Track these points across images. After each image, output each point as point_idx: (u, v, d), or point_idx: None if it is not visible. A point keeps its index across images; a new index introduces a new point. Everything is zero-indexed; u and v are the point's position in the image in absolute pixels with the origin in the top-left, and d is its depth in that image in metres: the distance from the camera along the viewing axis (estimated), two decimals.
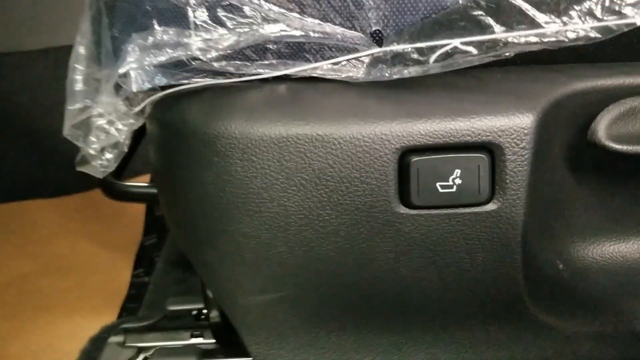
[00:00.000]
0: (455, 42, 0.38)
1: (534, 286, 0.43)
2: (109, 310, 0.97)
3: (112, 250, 1.13)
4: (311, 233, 0.40)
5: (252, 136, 0.38)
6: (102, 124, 0.50)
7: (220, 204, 0.40)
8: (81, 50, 0.52)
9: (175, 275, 0.90)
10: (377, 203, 0.39)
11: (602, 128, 0.38)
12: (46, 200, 1.27)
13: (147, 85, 0.40)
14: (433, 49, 0.38)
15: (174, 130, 0.42)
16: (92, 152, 0.51)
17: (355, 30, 0.39)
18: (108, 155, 0.53)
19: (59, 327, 0.95)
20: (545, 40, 0.35)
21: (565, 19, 0.34)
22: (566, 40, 0.35)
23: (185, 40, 0.38)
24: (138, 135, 0.50)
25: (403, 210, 0.39)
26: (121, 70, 0.39)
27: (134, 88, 0.40)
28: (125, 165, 0.65)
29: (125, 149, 0.51)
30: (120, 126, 0.51)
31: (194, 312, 0.70)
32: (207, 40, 0.38)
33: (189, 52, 0.38)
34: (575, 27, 0.34)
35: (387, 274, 0.41)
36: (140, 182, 0.72)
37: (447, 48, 0.38)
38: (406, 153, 0.38)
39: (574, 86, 0.39)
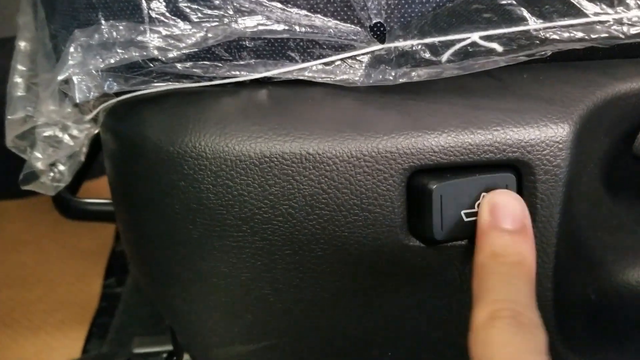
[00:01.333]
0: (474, 37, 0.31)
1: (565, 324, 0.36)
2: (77, 326, 0.90)
3: (81, 258, 1.05)
4: (302, 272, 0.32)
5: (226, 155, 0.31)
6: (50, 135, 0.43)
7: (189, 239, 0.33)
8: (23, 45, 0.44)
9: (143, 308, 0.82)
10: (381, 235, 0.31)
11: None
12: (9, 202, 1.18)
13: (95, 94, 0.33)
14: (447, 45, 0.31)
15: (131, 146, 0.35)
16: (40, 166, 0.43)
17: (352, 23, 0.31)
18: (61, 167, 0.45)
19: (21, 345, 0.87)
20: (595, 36, 0.28)
21: (621, 9, 0.27)
22: (622, 36, 0.28)
23: (140, 37, 0.30)
24: (97, 140, 0.43)
25: (414, 243, 0.32)
26: (61, 77, 0.31)
27: (78, 98, 0.32)
28: (83, 178, 0.57)
29: (82, 159, 0.44)
30: (75, 132, 0.43)
31: (164, 356, 0.60)
32: (166, 37, 0.31)
33: (144, 52, 0.31)
34: (635, 20, 0.27)
35: (394, 318, 0.34)
36: (102, 199, 0.64)
37: (464, 44, 0.31)
38: (416, 174, 0.31)
39: (616, 88, 0.32)
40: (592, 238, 0.37)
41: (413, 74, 0.31)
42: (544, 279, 0.33)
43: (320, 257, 0.32)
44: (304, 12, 0.31)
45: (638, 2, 0.27)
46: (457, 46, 0.31)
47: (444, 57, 0.32)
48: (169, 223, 0.33)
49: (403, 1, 0.31)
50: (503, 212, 0.29)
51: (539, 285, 0.33)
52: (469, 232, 0.31)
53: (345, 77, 0.33)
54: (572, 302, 0.37)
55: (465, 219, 0.31)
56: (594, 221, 0.36)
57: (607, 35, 0.28)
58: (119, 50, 0.31)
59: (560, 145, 0.31)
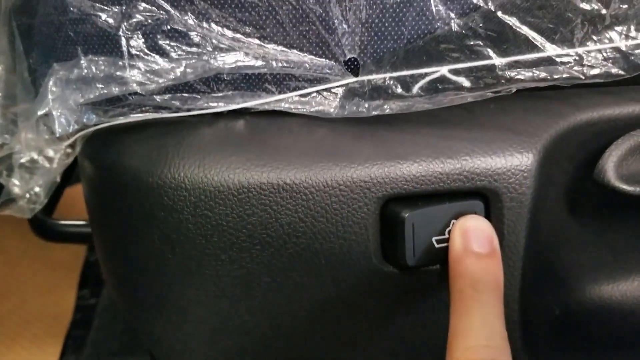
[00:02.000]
0: (443, 70, 0.32)
1: (531, 340, 0.38)
2: (51, 339, 0.89)
3: (54, 269, 1.04)
4: (279, 298, 0.33)
5: (205, 186, 0.32)
6: (27, 160, 0.43)
7: (169, 267, 0.33)
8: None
9: (119, 323, 0.82)
10: (357, 262, 0.33)
11: (611, 166, 0.33)
12: None
13: (75, 127, 0.33)
14: (418, 79, 0.32)
15: (110, 176, 0.35)
16: (18, 192, 0.44)
17: (327, 58, 0.32)
18: (36, 189, 0.45)
19: None
20: (557, 76, 0.29)
21: (581, 51, 0.29)
22: (582, 77, 0.29)
23: (119, 73, 0.31)
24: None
25: (388, 269, 0.33)
26: (41, 112, 0.32)
27: (58, 132, 0.32)
28: (58, 198, 0.58)
29: (58, 179, 0.44)
30: (50, 153, 0.43)
31: None
32: (146, 72, 0.31)
33: (124, 87, 0.31)
34: (594, 62, 0.29)
35: (371, 342, 0.35)
36: (78, 220, 0.63)
37: (434, 76, 0.32)
38: (389, 202, 0.32)
39: (578, 117, 0.34)
40: (557, 258, 0.39)
41: (385, 106, 0.32)
42: (510, 301, 0.35)
43: (297, 283, 0.33)
44: (280, 47, 0.32)
45: (598, 45, 0.29)
46: (427, 79, 0.33)
47: (415, 88, 0.33)
48: (148, 252, 0.34)
49: (375, 38, 0.32)
50: (474, 236, 0.31)
51: (506, 307, 0.35)
52: (440, 258, 0.32)
53: (320, 108, 0.34)
54: (537, 318, 0.38)
55: (437, 245, 0.32)
56: (558, 242, 0.38)
57: (568, 75, 0.29)
58: (98, 85, 0.31)
59: (525, 174, 0.32)
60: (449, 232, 0.32)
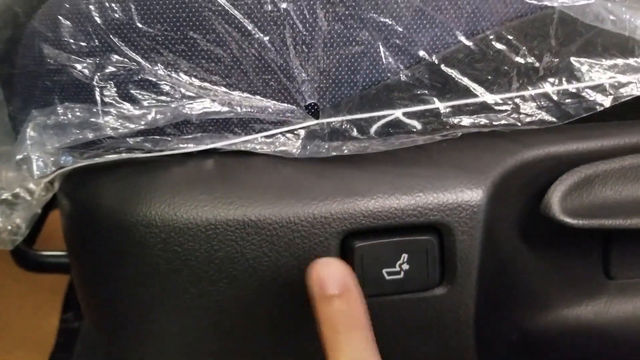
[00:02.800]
0: (398, 113, 0.35)
1: None
2: None
3: (38, 292, 1.05)
4: (248, 328, 0.35)
5: (175, 224, 0.34)
6: (8, 196, 0.45)
7: (141, 301, 0.35)
8: None
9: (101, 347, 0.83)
10: None
11: (556, 201, 0.36)
12: None
13: (52, 169, 0.35)
14: (374, 121, 0.35)
15: (86, 214, 0.37)
16: None
17: (289, 103, 0.35)
18: (17, 221, 0.47)
19: None
20: (496, 123, 0.32)
21: (518, 100, 0.31)
22: (519, 124, 0.32)
23: (93, 119, 0.33)
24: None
25: None
26: (19, 156, 0.34)
27: (36, 175, 0.34)
28: (39, 228, 0.59)
29: (39, 211, 0.46)
30: (31, 186, 0.45)
31: None
32: (118, 118, 0.33)
33: (98, 132, 0.34)
34: (529, 111, 0.31)
35: None
36: (59, 251, 0.65)
37: (390, 119, 0.35)
38: (349, 237, 0.35)
39: (525, 155, 0.37)
40: (511, 285, 0.41)
41: (344, 147, 0.35)
42: (465, 328, 0.37)
43: (264, 314, 0.35)
44: (245, 94, 0.34)
45: (533, 95, 0.31)
46: (384, 121, 0.35)
47: (372, 129, 0.35)
48: (122, 286, 0.36)
49: (333, 85, 0.34)
50: (327, 280, 0.31)
51: (461, 336, 0.37)
52: (390, 289, 0.34)
53: (284, 148, 0.36)
54: (495, 344, 0.41)
55: (387, 277, 0.34)
56: (512, 270, 0.40)
57: (506, 122, 0.32)
58: (74, 130, 0.34)
59: (475, 209, 0.35)
60: (400, 265, 0.34)
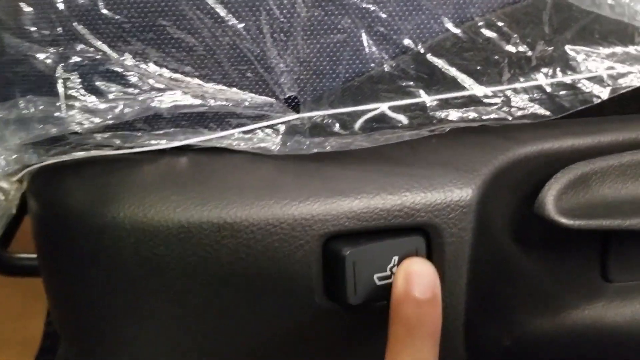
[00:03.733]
0: (384, 107, 0.32)
1: None
2: None
3: (24, 294, 1.03)
4: (222, 337, 0.33)
5: (146, 226, 0.32)
6: None
7: (111, 307, 0.33)
8: None
9: None
10: (299, 300, 0.33)
11: (551, 200, 0.34)
12: None
13: (16, 167, 0.33)
14: (358, 116, 0.33)
15: (54, 215, 0.35)
16: None
17: (267, 95, 0.33)
18: None
19: None
20: (485, 117, 0.30)
21: (509, 92, 0.29)
22: (510, 118, 0.30)
23: (57, 113, 0.31)
24: None
25: (331, 306, 0.33)
26: None
27: None
28: (14, 231, 0.57)
29: (13, 211, 0.44)
30: (4, 185, 0.43)
31: None
32: (83, 112, 0.31)
33: (62, 127, 0.31)
34: (521, 104, 0.29)
35: None
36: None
37: (375, 113, 0.33)
38: (331, 239, 0.33)
39: (517, 151, 0.35)
40: (503, 289, 0.39)
41: (325, 144, 0.33)
42: (455, 335, 0.35)
43: (239, 322, 0.33)
44: (219, 86, 0.32)
45: (525, 87, 0.29)
46: (369, 115, 0.33)
47: (356, 125, 0.33)
48: (91, 291, 0.33)
49: (314, 76, 0.32)
50: (416, 281, 0.31)
51: (450, 341, 0.35)
52: (382, 295, 0.32)
53: (262, 145, 0.34)
54: (486, 350, 0.39)
55: (378, 283, 0.32)
56: (503, 273, 0.38)
57: (496, 116, 0.30)
58: (37, 126, 0.31)
59: (465, 209, 0.33)
60: (391, 268, 0.32)
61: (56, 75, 0.31)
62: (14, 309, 1.00)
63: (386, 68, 0.30)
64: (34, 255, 0.64)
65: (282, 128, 0.34)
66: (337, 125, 0.32)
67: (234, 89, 0.32)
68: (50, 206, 0.35)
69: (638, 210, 0.35)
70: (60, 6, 0.31)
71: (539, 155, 0.35)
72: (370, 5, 0.30)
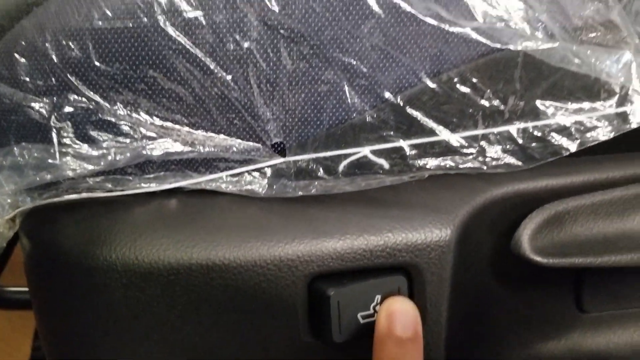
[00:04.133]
0: (365, 151, 0.34)
1: None
2: None
3: (10, 318, 1.02)
4: None
5: (136, 268, 0.33)
6: None
7: (102, 345, 0.34)
8: None
9: None
10: (287, 339, 0.34)
11: (526, 239, 0.35)
12: None
13: (10, 212, 0.34)
14: (340, 160, 0.34)
15: (45, 254, 0.36)
16: None
17: (254, 141, 0.34)
18: None
19: None
20: (462, 166, 0.31)
21: (483, 143, 0.31)
22: (484, 168, 0.31)
23: (50, 160, 0.32)
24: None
25: (316, 343, 0.34)
26: None
27: None
28: (4, 265, 0.58)
29: (4, 245, 0.44)
30: None
31: None
32: (76, 159, 0.32)
33: (55, 174, 0.33)
34: (495, 154, 0.31)
35: None
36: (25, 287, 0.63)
37: (357, 157, 0.34)
38: (316, 279, 0.34)
39: (493, 192, 0.36)
40: (483, 323, 0.40)
41: (310, 187, 0.34)
42: None
43: None
44: (209, 133, 0.33)
45: (498, 138, 0.31)
46: (351, 158, 0.34)
47: (340, 167, 0.35)
48: (81, 330, 0.34)
49: (299, 123, 0.34)
50: (398, 319, 0.32)
51: None
52: (366, 333, 0.33)
53: (250, 187, 0.35)
54: None
55: (362, 321, 0.33)
56: (483, 309, 0.40)
57: (471, 165, 0.31)
58: (31, 172, 0.32)
59: (444, 249, 0.34)
60: (374, 307, 0.33)
61: (50, 124, 0.32)
62: (1, 332, 1.00)
63: (368, 118, 0.32)
64: (24, 289, 0.65)
65: (268, 172, 0.35)
66: (322, 169, 0.34)
67: (223, 136, 0.34)
68: (44, 246, 0.36)
69: (608, 248, 0.36)
70: (54, 58, 0.32)
71: (515, 195, 0.36)
72: (352, 60, 0.31)
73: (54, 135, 0.32)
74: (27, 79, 0.32)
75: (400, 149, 0.32)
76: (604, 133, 0.31)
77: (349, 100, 0.32)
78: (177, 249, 0.33)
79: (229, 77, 0.32)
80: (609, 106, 0.30)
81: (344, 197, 0.36)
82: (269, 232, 0.34)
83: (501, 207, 0.36)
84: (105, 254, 0.33)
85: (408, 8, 0.30)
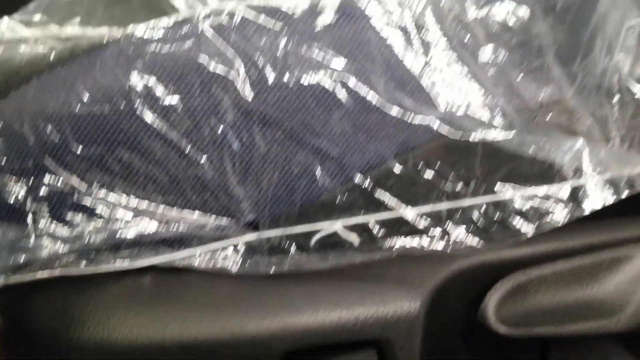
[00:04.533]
0: (337, 226, 0.35)
1: None
2: None
3: None
4: None
5: (110, 347, 0.33)
6: None
7: None
8: None
9: None
10: None
11: (492, 310, 0.37)
12: None
13: None
14: (312, 236, 0.35)
15: (18, 332, 0.36)
16: None
17: (228, 218, 0.35)
18: None
19: None
20: (426, 248, 0.33)
21: (447, 226, 0.32)
22: (447, 250, 0.33)
23: (24, 243, 0.32)
24: None
25: None
26: None
27: None
28: None
29: None
30: None
31: None
32: (51, 240, 0.33)
33: (30, 255, 0.33)
34: (457, 237, 0.32)
35: None
36: None
37: (328, 232, 0.35)
38: (289, 355, 0.34)
39: (460, 264, 0.37)
40: None
41: (283, 264, 0.35)
42: None
43: None
44: (184, 211, 0.34)
45: (462, 221, 0.33)
46: (323, 233, 0.35)
47: (312, 241, 0.36)
48: None
49: (271, 202, 0.35)
50: None
51: None
52: None
53: (223, 264, 0.36)
54: None
55: None
56: None
57: (435, 248, 0.33)
58: (5, 255, 0.33)
59: (414, 321, 0.35)
60: None
61: (25, 205, 0.32)
62: None
63: (337, 200, 0.33)
64: None
65: (242, 248, 0.36)
66: (294, 246, 0.35)
67: (197, 213, 0.35)
68: (17, 324, 0.36)
69: (571, 317, 0.38)
70: (31, 140, 0.32)
71: (480, 266, 0.38)
72: (322, 143, 0.33)
73: (29, 217, 0.32)
74: (4, 160, 0.33)
75: (370, 229, 0.33)
76: (559, 218, 0.33)
77: (320, 181, 0.33)
78: (151, 327, 0.33)
79: (203, 159, 0.33)
80: (563, 192, 0.32)
81: (314, 272, 0.36)
82: (241, 309, 0.34)
83: (468, 278, 0.38)
84: (78, 334, 0.33)
85: (374, 100, 0.31)
